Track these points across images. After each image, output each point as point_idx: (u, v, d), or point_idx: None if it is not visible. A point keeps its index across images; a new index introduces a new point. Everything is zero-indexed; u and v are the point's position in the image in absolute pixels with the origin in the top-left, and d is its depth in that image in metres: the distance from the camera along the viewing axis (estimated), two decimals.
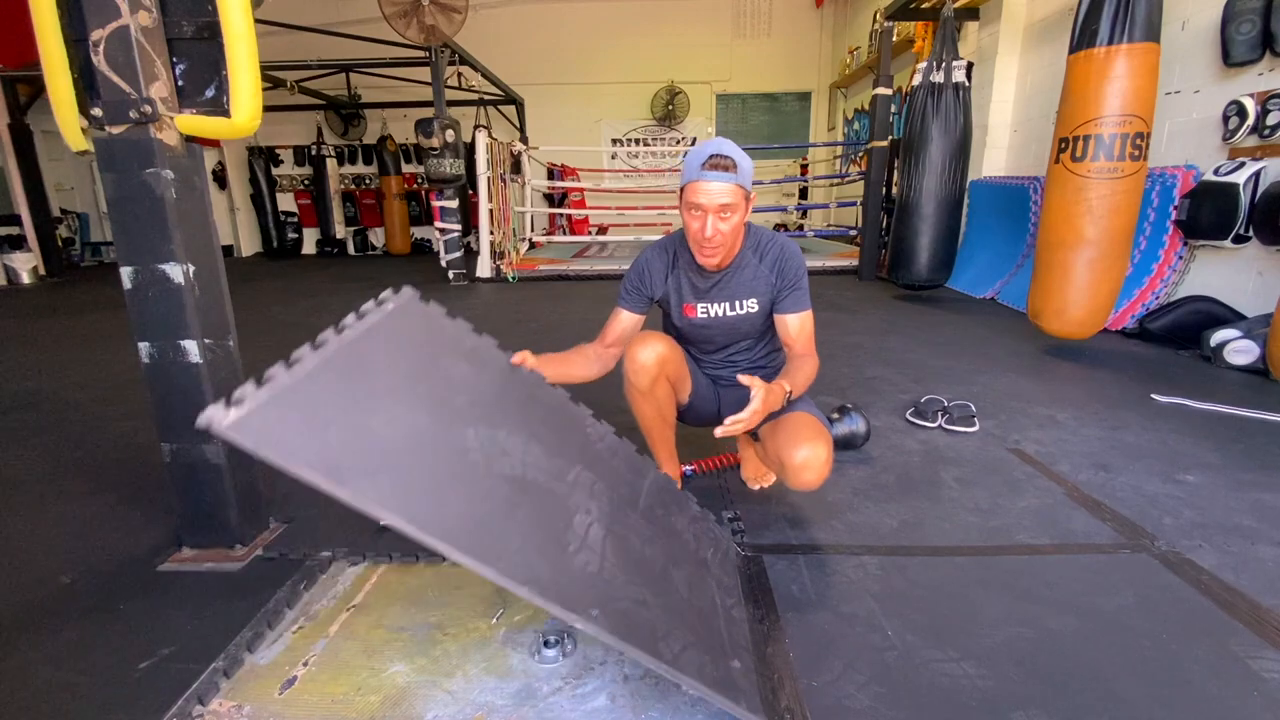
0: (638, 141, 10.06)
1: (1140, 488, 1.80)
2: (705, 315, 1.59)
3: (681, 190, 1.44)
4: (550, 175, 9.09)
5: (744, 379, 1.30)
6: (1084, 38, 2.75)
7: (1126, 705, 1.03)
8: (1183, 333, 3.26)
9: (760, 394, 1.28)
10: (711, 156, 1.36)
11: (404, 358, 0.84)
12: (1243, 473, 1.88)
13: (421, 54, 6.15)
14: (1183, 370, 2.92)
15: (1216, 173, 3.18)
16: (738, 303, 1.57)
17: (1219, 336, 2.96)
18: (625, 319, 1.60)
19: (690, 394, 1.68)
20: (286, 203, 9.66)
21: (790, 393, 1.40)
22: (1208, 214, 3.19)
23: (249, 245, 9.87)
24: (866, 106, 6.98)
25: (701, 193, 1.38)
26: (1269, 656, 1.13)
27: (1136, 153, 2.73)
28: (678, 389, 1.64)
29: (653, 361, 1.50)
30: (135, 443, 2.26)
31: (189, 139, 1.39)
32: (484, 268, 6.35)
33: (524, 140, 8.24)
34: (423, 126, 5.75)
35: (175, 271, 1.36)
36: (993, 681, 1.08)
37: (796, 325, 1.55)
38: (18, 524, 1.72)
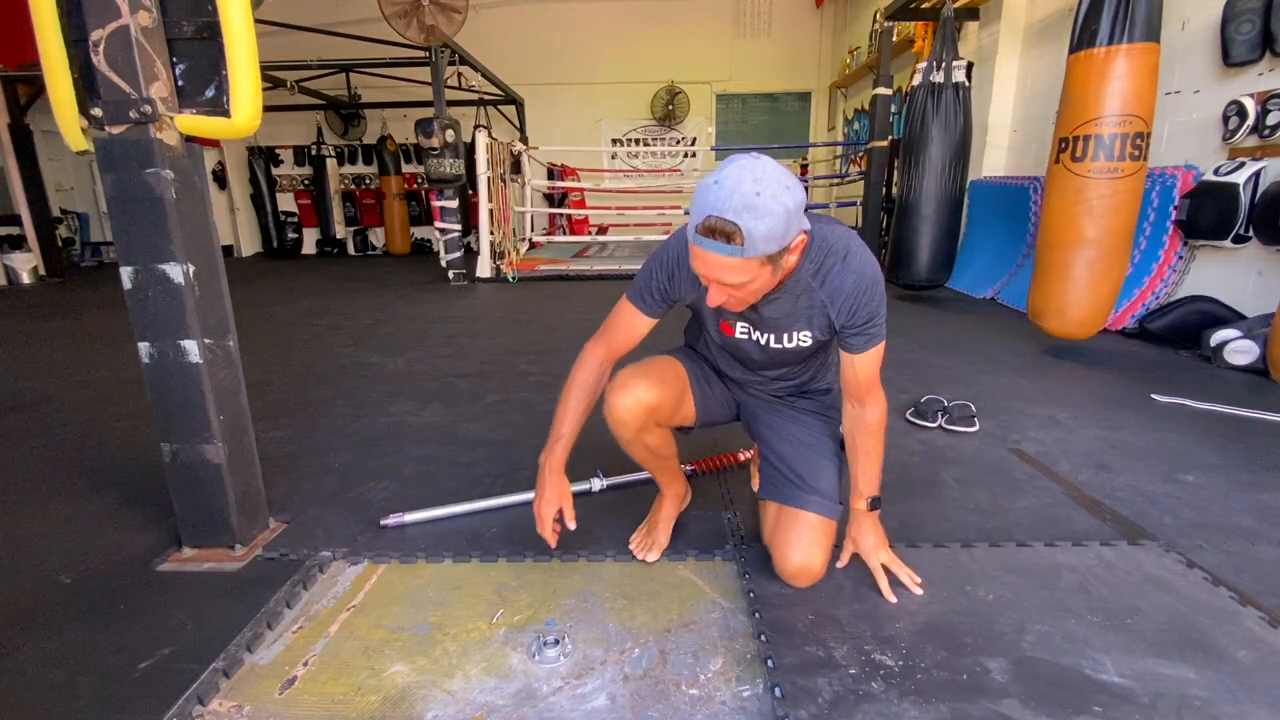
0: (638, 141, 10.05)
1: (1140, 488, 1.79)
2: (746, 336, 1.33)
3: None
4: (550, 175, 9.09)
5: (845, 556, 1.38)
6: (1084, 38, 2.75)
7: (1126, 704, 1.03)
8: (1183, 333, 3.25)
9: (873, 553, 1.33)
10: (708, 217, 0.99)
11: None
12: (1243, 473, 1.88)
13: (421, 54, 6.15)
14: (1183, 370, 2.92)
15: (1216, 173, 3.18)
16: (787, 335, 1.27)
17: (1219, 336, 2.96)
18: (639, 322, 1.32)
19: (696, 417, 1.48)
20: (286, 203, 9.65)
21: (874, 499, 1.34)
22: (1208, 214, 3.19)
23: (249, 245, 9.87)
24: (866, 106, 6.98)
25: (696, 258, 1.06)
26: (1269, 656, 1.13)
27: (1136, 153, 2.73)
28: (677, 422, 1.45)
29: (637, 413, 1.30)
30: (135, 443, 2.25)
31: (189, 139, 1.39)
32: (484, 268, 6.35)
33: (524, 140, 8.24)
34: (423, 126, 5.75)
35: (175, 271, 1.36)
36: (993, 679, 1.08)
37: (864, 366, 1.25)
38: (18, 524, 1.72)
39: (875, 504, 1.35)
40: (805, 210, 1.09)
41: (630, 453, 1.42)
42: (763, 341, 1.31)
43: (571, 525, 1.31)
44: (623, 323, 1.33)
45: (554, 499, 1.30)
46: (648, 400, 1.31)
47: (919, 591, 1.31)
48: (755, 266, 1.03)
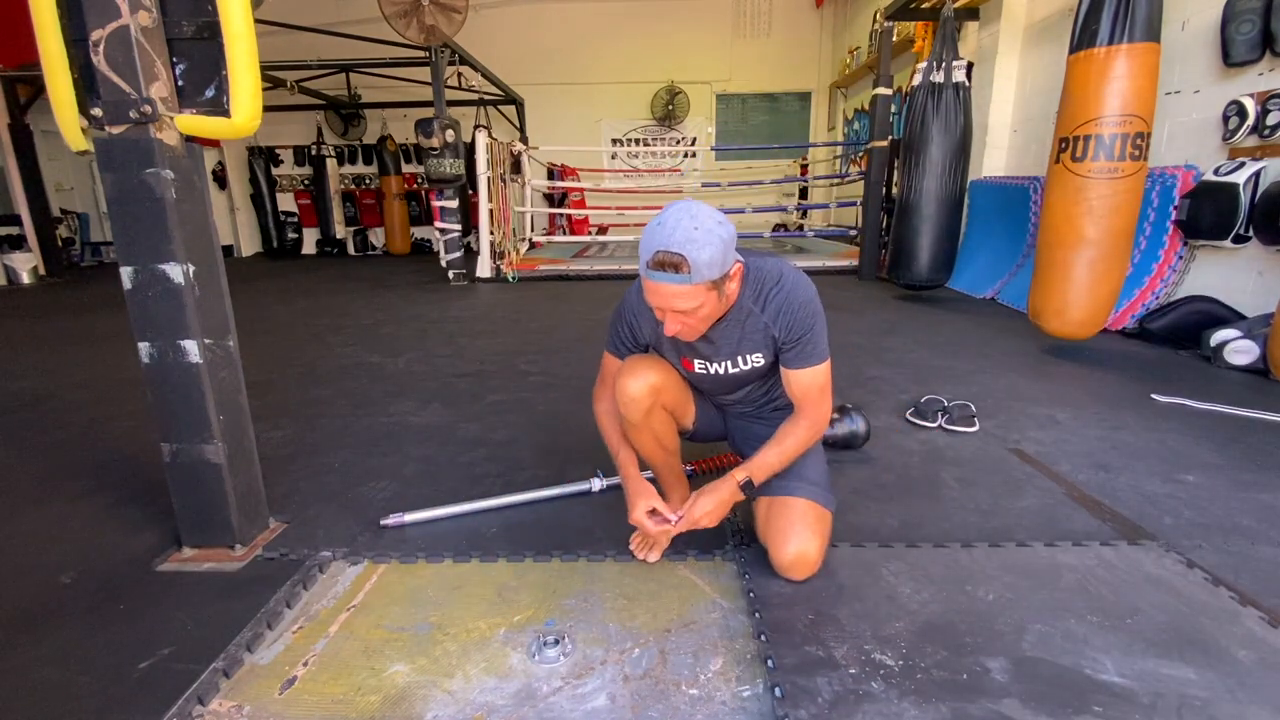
0: (638, 141, 10.06)
1: (1140, 488, 1.79)
2: (705, 370, 1.43)
3: None
4: (550, 175, 9.09)
5: (681, 522, 1.34)
6: (1084, 38, 2.75)
7: (1126, 704, 1.03)
8: (1183, 333, 3.25)
9: (695, 508, 1.31)
10: (657, 253, 1.12)
11: None
12: (1243, 473, 1.87)
13: (421, 54, 6.15)
14: (1183, 370, 2.92)
15: (1216, 173, 3.18)
16: (741, 358, 1.38)
17: (1219, 336, 2.96)
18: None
19: (694, 420, 1.56)
20: (286, 203, 9.66)
21: (749, 481, 1.30)
22: (1208, 214, 3.19)
23: (249, 245, 9.87)
24: (866, 106, 6.98)
25: (650, 292, 1.18)
26: (1269, 656, 1.13)
27: (1137, 153, 2.73)
28: (678, 416, 1.51)
29: (644, 392, 1.36)
30: (135, 443, 2.25)
31: (189, 139, 1.39)
32: (484, 268, 6.35)
33: (524, 140, 8.24)
34: (423, 126, 5.75)
35: (175, 271, 1.36)
36: (993, 679, 1.08)
37: (803, 382, 1.32)
38: (18, 524, 1.72)
39: (749, 488, 1.32)
40: (739, 248, 1.26)
41: (638, 441, 1.45)
42: (720, 371, 1.41)
43: (672, 518, 1.35)
44: (611, 370, 1.48)
45: (637, 502, 1.37)
46: (653, 380, 1.37)
47: (654, 559, 1.43)
48: (703, 292, 1.16)
